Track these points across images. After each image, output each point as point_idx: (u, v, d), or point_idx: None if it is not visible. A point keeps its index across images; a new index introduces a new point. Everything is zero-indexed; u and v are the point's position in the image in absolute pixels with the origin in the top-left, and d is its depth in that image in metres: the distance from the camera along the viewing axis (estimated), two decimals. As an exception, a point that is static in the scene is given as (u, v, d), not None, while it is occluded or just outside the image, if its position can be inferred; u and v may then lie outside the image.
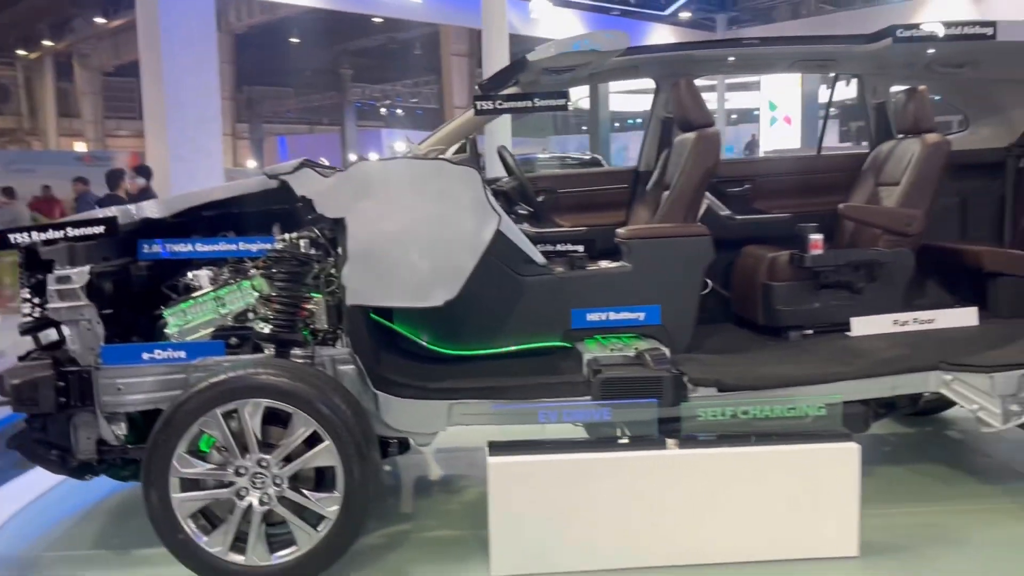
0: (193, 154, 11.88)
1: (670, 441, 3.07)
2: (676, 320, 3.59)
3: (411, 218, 3.22)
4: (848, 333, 3.77)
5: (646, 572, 3.01)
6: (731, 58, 4.41)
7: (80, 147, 28.74)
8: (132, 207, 3.39)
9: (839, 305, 3.88)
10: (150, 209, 3.37)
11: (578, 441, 3.19)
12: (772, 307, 3.93)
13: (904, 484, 3.83)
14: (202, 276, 3.45)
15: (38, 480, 3.88)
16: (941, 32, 3.78)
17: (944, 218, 4.36)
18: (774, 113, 23.72)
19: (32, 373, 3.09)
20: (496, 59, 12.40)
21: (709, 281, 3.97)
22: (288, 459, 2.97)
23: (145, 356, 3.13)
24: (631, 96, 29.27)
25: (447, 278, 3.20)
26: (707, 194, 4.36)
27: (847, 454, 3.06)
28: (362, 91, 35.42)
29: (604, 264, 3.78)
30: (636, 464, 3.05)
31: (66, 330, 3.18)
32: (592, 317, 3.55)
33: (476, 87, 4.37)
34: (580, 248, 3.88)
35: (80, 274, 3.10)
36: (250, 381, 2.91)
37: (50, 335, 3.33)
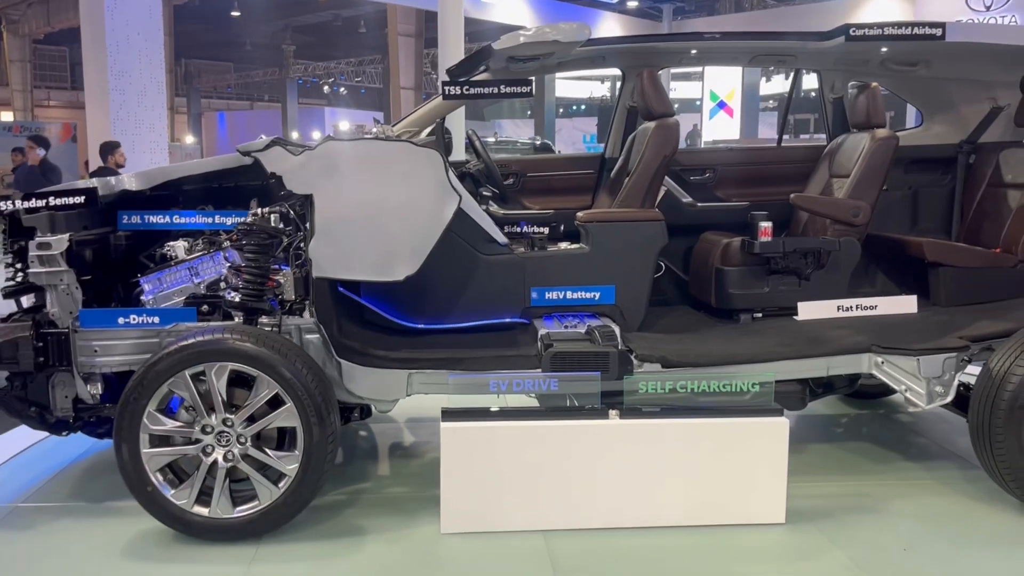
0: (136, 128, 11.61)
1: (612, 412, 3.27)
2: (630, 300, 3.78)
3: (375, 196, 3.37)
4: (795, 317, 3.96)
5: (586, 534, 3.21)
6: (693, 51, 4.57)
7: (8, 117, 27.60)
8: (112, 179, 3.54)
9: (788, 290, 4.09)
10: (129, 181, 3.52)
11: (526, 410, 3.41)
12: (724, 290, 4.13)
13: (835, 459, 4.08)
14: (178, 247, 3.62)
15: (17, 437, 4.01)
16: (892, 31, 3.97)
17: (896, 210, 4.61)
18: (715, 104, 24.16)
19: (12, 334, 3.28)
20: (452, 41, 12.37)
21: (664, 264, 4.15)
22: (251, 419, 3.16)
23: (121, 320, 3.31)
24: (575, 83, 29.51)
25: (408, 254, 3.37)
26: (669, 181, 4.58)
27: (777, 428, 3.27)
28: (305, 68, 34.76)
29: (563, 246, 3.95)
30: (579, 433, 3.25)
31: (46, 294, 3.36)
32: (550, 296, 3.75)
33: (446, 73, 4.44)
34: (545, 230, 4.03)
35: (59, 241, 3.31)
36: (217, 345, 3.09)
37: (33, 299, 3.48)
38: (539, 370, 3.39)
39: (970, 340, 3.53)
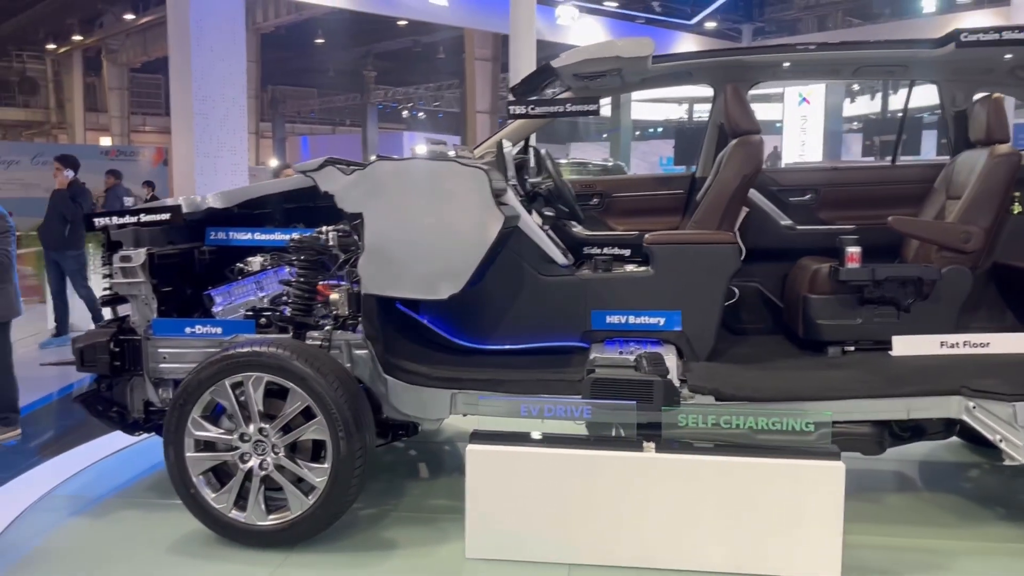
0: (218, 151, 12.00)
1: (647, 444, 3.07)
2: (697, 327, 3.59)
3: (421, 215, 3.40)
4: (891, 352, 3.59)
5: (614, 571, 3.04)
6: (787, 63, 4.30)
7: (106, 141, 29.00)
8: (197, 197, 3.81)
9: (884, 323, 3.70)
10: (213, 200, 3.76)
11: (559, 436, 3.21)
12: (811, 320, 3.80)
13: (913, 509, 3.69)
14: (254, 262, 3.82)
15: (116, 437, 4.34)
16: (1010, 35, 3.61)
17: None
18: (803, 124, 23.61)
19: (92, 339, 3.61)
20: (523, 64, 12.45)
21: (736, 290, 3.96)
22: (287, 430, 3.24)
23: (188, 330, 3.56)
24: (651, 105, 29.31)
25: (453, 273, 3.37)
26: (766, 202, 4.34)
27: (832, 473, 2.95)
28: (385, 93, 35.54)
29: (629, 268, 3.82)
30: (610, 463, 3.06)
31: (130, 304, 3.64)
32: (611, 320, 3.60)
33: (509, 91, 4.43)
34: (627, 252, 3.88)
35: (138, 254, 3.57)
36: (252, 357, 3.20)
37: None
38: (580, 396, 3.25)
39: None
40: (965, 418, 3.19)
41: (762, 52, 4.30)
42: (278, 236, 3.79)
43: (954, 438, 3.56)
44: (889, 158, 4.64)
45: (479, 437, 3.19)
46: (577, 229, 4.41)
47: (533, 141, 4.54)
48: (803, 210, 4.40)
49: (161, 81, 33.22)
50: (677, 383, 3.26)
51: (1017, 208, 3.97)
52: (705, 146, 4.57)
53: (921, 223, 3.96)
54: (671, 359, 3.37)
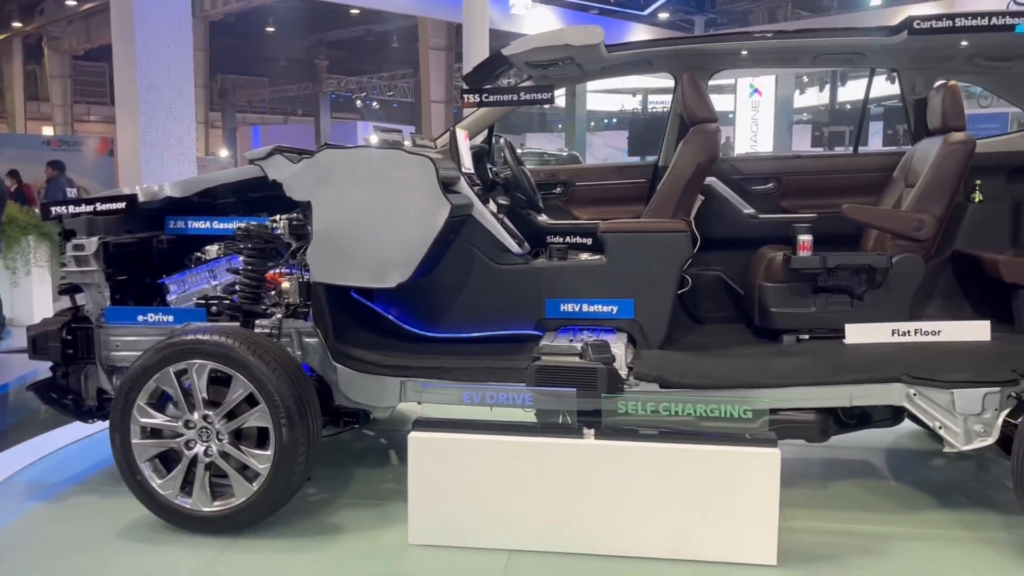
0: (165, 140, 11.74)
1: (587, 431, 3.07)
2: (650, 315, 3.61)
3: (368, 203, 3.39)
4: (844, 340, 3.60)
5: (554, 557, 3.04)
6: (744, 52, 4.28)
7: (48, 131, 28.20)
8: (155, 186, 3.77)
9: (838, 311, 3.72)
10: (171, 189, 3.74)
11: (501, 423, 3.19)
12: (766, 308, 3.82)
13: (853, 496, 3.67)
14: (211, 250, 3.80)
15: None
16: (964, 23, 3.59)
17: (995, 225, 4.06)
18: (754, 115, 23.88)
19: (45, 327, 3.64)
20: (477, 53, 12.37)
21: (689, 278, 3.97)
22: (231, 417, 3.23)
23: (140, 318, 3.57)
24: (606, 96, 29.44)
25: (401, 261, 3.38)
26: (728, 191, 4.35)
27: (767, 460, 2.94)
28: (338, 82, 35.12)
29: (584, 256, 3.82)
30: (549, 450, 3.06)
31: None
32: (565, 308, 3.62)
33: (462, 80, 4.39)
34: (589, 240, 3.88)
35: (91, 243, 3.56)
36: (195, 344, 3.20)
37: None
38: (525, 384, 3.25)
39: (1022, 375, 3.07)
40: (906, 405, 3.19)
41: (722, 40, 4.27)
42: (236, 224, 3.76)
43: (902, 425, 3.56)
44: (839, 148, 4.68)
45: (422, 424, 3.19)
46: (542, 218, 4.41)
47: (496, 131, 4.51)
48: (765, 199, 4.41)
49: (105, 69, 32.42)
50: (625, 371, 3.27)
51: (978, 197, 3.99)
52: (667, 135, 4.57)
53: (874, 211, 3.96)
54: (620, 347, 3.37)
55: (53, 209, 3.72)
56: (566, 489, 3.05)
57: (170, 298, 3.74)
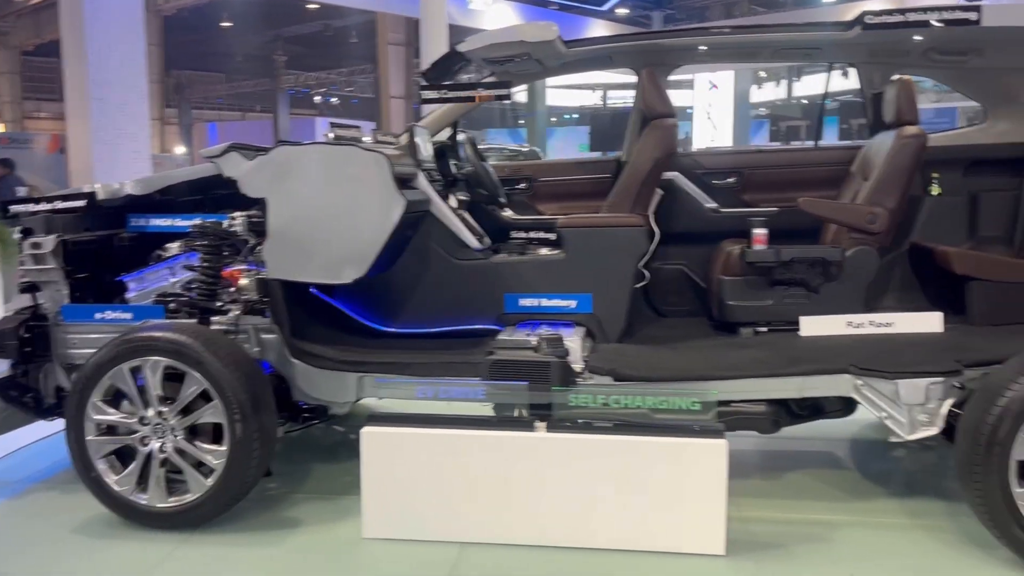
0: (117, 138, 11.50)
1: (539, 424, 3.10)
2: (608, 310, 3.63)
3: (323, 200, 3.41)
4: (800, 333, 3.63)
5: (506, 549, 3.07)
6: (703, 47, 4.29)
7: (-3, 128, 27.49)
8: (116, 184, 3.76)
9: (794, 304, 3.74)
10: (131, 187, 3.74)
11: (453, 418, 3.21)
12: (723, 302, 3.85)
13: (807, 487, 3.70)
14: (173, 248, 3.79)
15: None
16: (916, 17, 3.62)
17: (953, 218, 4.09)
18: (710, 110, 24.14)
19: (2, 326, 3.61)
20: (435, 49, 12.35)
21: (647, 272, 4.00)
22: (186, 413, 3.23)
23: (97, 316, 3.56)
24: (566, 91, 29.53)
25: (356, 257, 3.39)
26: (691, 185, 4.37)
27: (714, 451, 2.97)
28: (296, 78, 34.72)
29: (544, 252, 3.83)
30: (500, 443, 3.09)
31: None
32: (524, 303, 3.64)
33: (420, 76, 4.40)
34: (553, 236, 3.90)
35: (48, 241, 3.56)
36: (148, 341, 3.20)
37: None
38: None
39: (967, 364, 3.10)
40: (854, 396, 3.22)
41: (682, 36, 4.28)
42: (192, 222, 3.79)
43: (864, 416, 3.59)
44: (796, 143, 4.75)
45: (376, 419, 3.21)
46: (507, 213, 4.43)
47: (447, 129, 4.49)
48: (728, 193, 4.42)
49: (56, 65, 31.73)
50: (580, 364, 3.30)
51: (936, 189, 4.03)
52: (629, 131, 4.56)
53: (828, 204, 3.98)
54: (576, 341, 3.40)
55: (12, 207, 3.72)
56: (517, 482, 3.07)
57: (129, 295, 3.74)
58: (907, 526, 3.28)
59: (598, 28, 25.70)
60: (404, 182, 3.64)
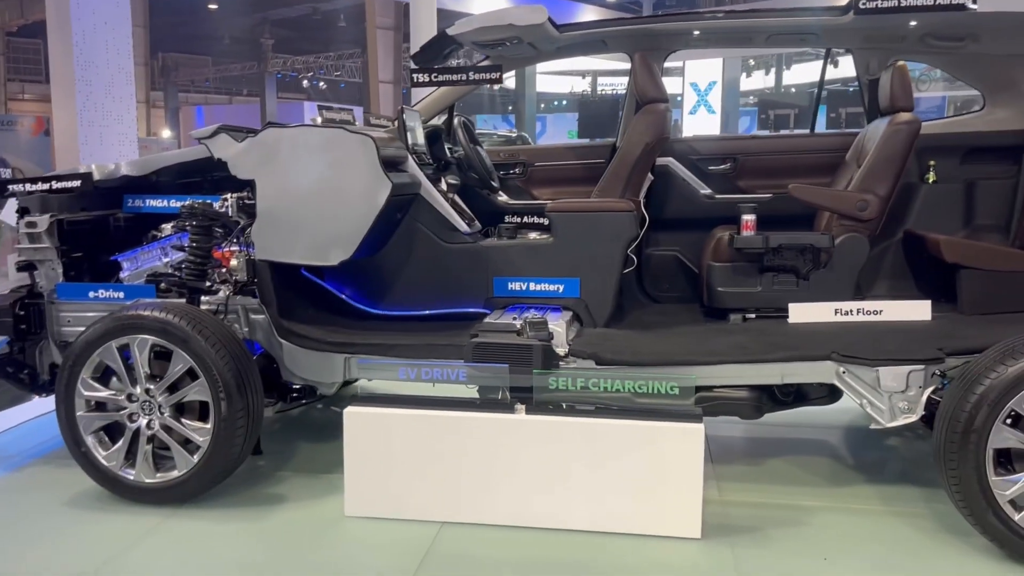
0: (104, 120, 11.39)
1: (519, 406, 3.14)
2: (595, 294, 3.65)
3: (311, 182, 3.45)
4: (789, 320, 3.64)
5: (485, 529, 3.11)
6: (696, 32, 4.28)
7: (-20, 110, 27.18)
8: (111, 164, 3.85)
9: (783, 291, 3.76)
10: (127, 168, 3.83)
11: (435, 399, 3.27)
12: (712, 288, 3.86)
13: (784, 471, 3.74)
14: (166, 228, 3.84)
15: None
16: (910, 2, 3.59)
17: (948, 205, 4.08)
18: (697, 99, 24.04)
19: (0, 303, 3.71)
20: (425, 33, 12.27)
21: (635, 258, 4.01)
22: (172, 391, 3.29)
23: (91, 294, 3.64)
24: (556, 78, 29.42)
25: (342, 239, 3.44)
26: (686, 171, 4.38)
27: (691, 435, 3.00)
28: (284, 62, 34.42)
29: (533, 236, 3.85)
30: (480, 425, 3.12)
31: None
32: (513, 286, 3.68)
33: (410, 59, 4.41)
34: (546, 220, 3.92)
35: (43, 220, 3.64)
36: (136, 320, 3.26)
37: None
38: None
39: (949, 352, 3.11)
40: (836, 382, 3.23)
41: (677, 20, 4.28)
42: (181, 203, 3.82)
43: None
44: (785, 131, 4.76)
45: (359, 399, 3.25)
46: (503, 198, 4.44)
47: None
48: (722, 179, 4.43)
49: (40, 46, 31.32)
50: (564, 348, 3.32)
51: (932, 177, 4.01)
52: (624, 116, 4.57)
53: (818, 191, 3.96)
54: (561, 325, 3.41)
55: (11, 187, 3.80)
56: (497, 463, 3.11)
57: (123, 275, 3.83)
58: (884, 512, 3.30)
59: (589, 14, 25.58)
60: (393, 165, 3.65)
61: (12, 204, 5.68)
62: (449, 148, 4.25)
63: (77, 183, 3.73)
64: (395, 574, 2.82)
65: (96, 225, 3.86)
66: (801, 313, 3.63)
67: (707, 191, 4.38)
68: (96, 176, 3.76)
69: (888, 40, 4.12)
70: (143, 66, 26.03)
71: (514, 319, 3.44)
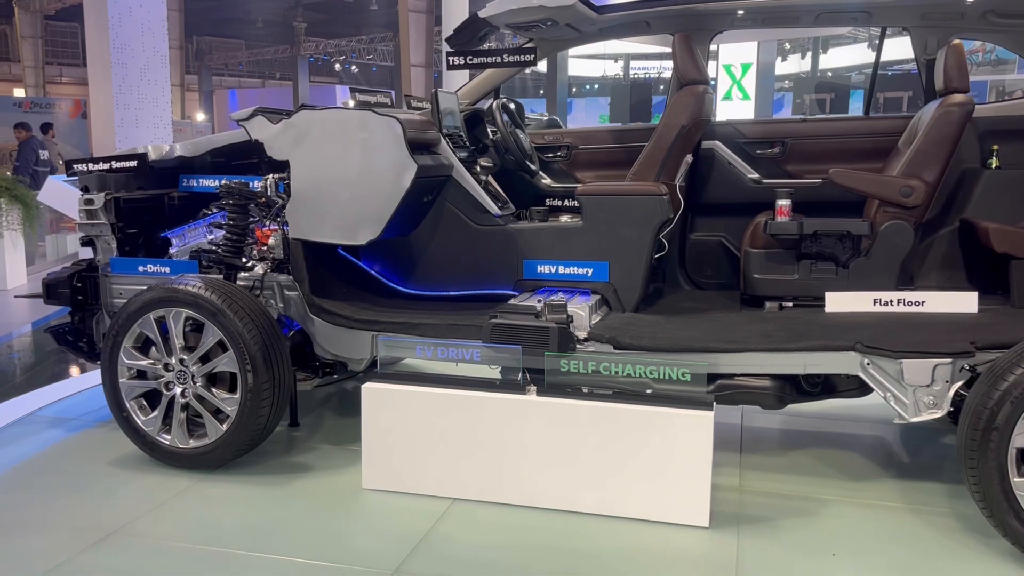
0: (139, 103, 11.54)
1: (531, 388, 3.14)
2: (624, 278, 3.62)
3: (340, 163, 3.53)
4: (825, 309, 3.51)
5: (494, 507, 3.14)
6: (742, 11, 4.13)
7: (19, 93, 27.61)
8: (166, 146, 4.01)
9: (822, 279, 3.64)
10: (181, 149, 3.99)
11: (451, 378, 3.29)
12: (749, 275, 3.77)
13: (806, 462, 3.65)
14: (213, 207, 4.00)
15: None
16: None
17: (1013, 193, 3.84)
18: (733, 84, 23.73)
19: (58, 275, 3.97)
20: (456, 16, 12.24)
21: (666, 242, 3.96)
22: (204, 361, 3.43)
23: (140, 269, 3.82)
24: (587, 61, 29.21)
25: (370, 219, 3.52)
26: (733, 155, 4.27)
27: (699, 422, 2.93)
28: (316, 45, 34.57)
29: (563, 219, 3.83)
30: (492, 405, 3.15)
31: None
32: (542, 269, 3.68)
33: (445, 42, 4.41)
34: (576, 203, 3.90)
35: (99, 198, 3.82)
36: (171, 293, 3.41)
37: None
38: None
39: (981, 347, 2.94)
40: (860, 374, 3.10)
41: (724, 0, 4.11)
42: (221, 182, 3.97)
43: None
44: (819, 115, 4.62)
45: (378, 376, 3.32)
46: (546, 181, 4.44)
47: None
48: (771, 163, 4.30)
49: (78, 30, 31.71)
50: (584, 332, 3.31)
51: (995, 162, 3.81)
52: (668, 98, 4.45)
53: (860, 176, 3.76)
54: (583, 308, 3.39)
55: (75, 166, 4.01)
56: (507, 443, 3.14)
57: (172, 251, 4.00)
58: (903, 509, 3.19)
59: (621, -4, 25.32)
60: (424, 147, 3.66)
61: (50, 184, 5.78)
62: (491, 130, 4.25)
63: (134, 163, 3.89)
64: (393, 549, 2.83)
65: (151, 203, 4.03)
66: (838, 302, 3.50)
67: (754, 175, 4.25)
68: (152, 156, 3.90)
69: (946, 18, 3.91)
70: (178, 49, 26.24)
71: (538, 302, 3.44)
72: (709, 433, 2.94)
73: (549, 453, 3.09)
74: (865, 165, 3.97)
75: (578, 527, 3.00)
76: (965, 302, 3.40)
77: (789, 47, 27.25)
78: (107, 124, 11.56)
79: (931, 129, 3.60)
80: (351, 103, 3.89)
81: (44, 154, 13.48)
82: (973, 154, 3.89)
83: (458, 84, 4.85)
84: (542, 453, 3.10)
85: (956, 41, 3.75)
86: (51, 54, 31.48)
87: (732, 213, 4.18)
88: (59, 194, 5.54)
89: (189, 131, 23.24)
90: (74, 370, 5.24)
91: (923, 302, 3.41)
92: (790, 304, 3.73)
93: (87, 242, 3.95)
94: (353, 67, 37.90)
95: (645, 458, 3.00)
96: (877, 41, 4.55)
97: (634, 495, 3.03)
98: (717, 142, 4.29)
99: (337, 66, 37.45)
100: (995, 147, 3.85)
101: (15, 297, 4.88)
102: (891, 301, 3.43)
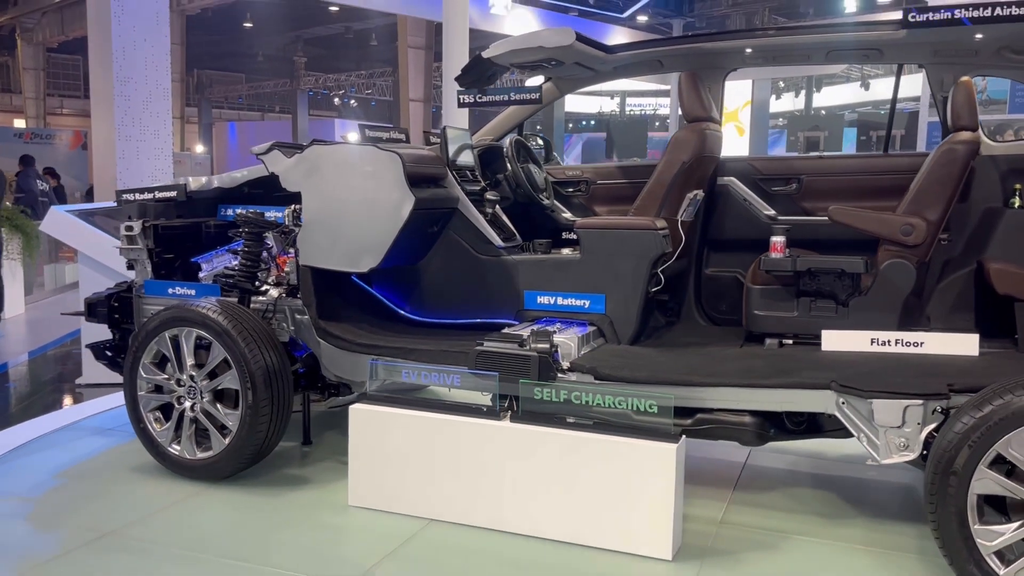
0: (141, 135, 11.61)
1: (504, 414, 3.24)
2: (620, 311, 3.67)
3: (345, 195, 3.72)
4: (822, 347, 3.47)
5: (466, 530, 3.25)
6: (753, 49, 4.13)
7: (20, 124, 27.78)
8: (204, 178, 4.34)
9: (821, 317, 3.60)
10: (219, 180, 4.29)
11: (435, 402, 3.51)
12: (750, 311, 3.75)
13: (790, 498, 3.65)
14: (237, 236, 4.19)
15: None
16: (967, 14, 3.34)
17: None
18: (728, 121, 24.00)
19: (98, 296, 4.31)
20: (456, 53, 12.41)
21: (663, 276, 4.00)
22: (211, 378, 3.66)
23: (170, 291, 4.08)
24: (584, 98, 29.53)
25: (372, 248, 3.69)
26: (748, 192, 4.27)
27: (664, 455, 2.95)
28: (316, 80, 34.92)
29: (564, 252, 3.94)
30: (466, 430, 3.27)
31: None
32: (542, 300, 3.79)
33: (455, 81, 4.52)
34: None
35: (137, 224, 4.12)
36: (179, 313, 3.68)
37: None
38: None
39: (957, 389, 2.87)
40: (836, 413, 3.05)
41: (736, 38, 4.19)
42: (271, 214, 4.19)
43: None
44: (835, 152, 4.60)
45: (367, 398, 3.46)
46: (566, 215, 4.55)
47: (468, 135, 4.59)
48: (787, 200, 4.27)
49: (80, 62, 32.00)
50: (568, 362, 3.36)
51: (1018, 202, 3.71)
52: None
53: (859, 214, 3.71)
54: (571, 339, 3.43)
55: (124, 195, 4.32)
56: (482, 467, 3.22)
57: (201, 275, 4.26)
58: (871, 550, 3.16)
59: (619, 35, 25.70)
60: (429, 181, 3.79)
61: (52, 215, 5.83)
62: (508, 164, 4.36)
63: (174, 193, 4.20)
64: (360, 561, 3.03)
65: (187, 230, 4.30)
66: (835, 341, 3.45)
67: (770, 212, 4.23)
68: (191, 187, 4.22)
69: (959, 54, 3.85)
70: (179, 82, 26.49)
71: (528, 331, 3.46)
72: (673, 465, 2.95)
73: (519, 479, 3.16)
74: (882, 203, 3.91)
75: (540, 555, 3.05)
76: (965, 344, 3.32)
77: (783, 85, 27.61)
78: (108, 155, 11.63)
79: (934, 167, 3.57)
80: (350, 137, 4.03)
81: (44, 185, 13.57)
82: (995, 193, 3.82)
83: (460, 119, 4.95)
84: (513, 479, 3.18)
85: (965, 78, 3.73)
86: (52, 85, 31.74)
87: (748, 249, 4.14)
88: (61, 224, 5.60)
89: (188, 163, 23.40)
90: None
91: (922, 343, 3.34)
92: (789, 341, 3.71)
93: (130, 265, 4.24)
94: (352, 101, 38.23)
95: (611, 488, 3.04)
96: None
97: (600, 525, 3.07)
98: (733, 178, 4.29)
99: (336, 100, 37.78)
100: (1018, 186, 3.76)
101: (61, 314, 5.37)
102: (889, 341, 3.37)
